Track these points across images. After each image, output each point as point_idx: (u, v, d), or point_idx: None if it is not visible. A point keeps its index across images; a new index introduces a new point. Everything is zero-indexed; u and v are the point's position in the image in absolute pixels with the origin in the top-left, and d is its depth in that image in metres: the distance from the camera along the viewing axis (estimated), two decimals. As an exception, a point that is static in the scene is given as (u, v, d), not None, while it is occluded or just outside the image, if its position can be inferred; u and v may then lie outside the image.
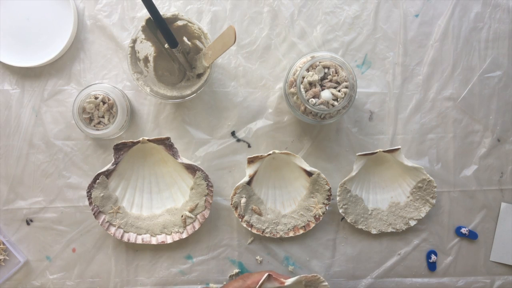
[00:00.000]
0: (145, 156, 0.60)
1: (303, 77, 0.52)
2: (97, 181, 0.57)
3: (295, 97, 0.54)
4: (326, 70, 0.53)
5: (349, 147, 0.61)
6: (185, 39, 0.57)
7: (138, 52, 0.55)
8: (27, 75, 0.60)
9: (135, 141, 0.56)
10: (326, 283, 0.52)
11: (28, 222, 0.61)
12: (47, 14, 0.59)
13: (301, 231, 0.59)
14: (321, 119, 0.54)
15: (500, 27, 0.61)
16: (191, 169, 0.58)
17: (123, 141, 0.56)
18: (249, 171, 0.58)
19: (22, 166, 0.60)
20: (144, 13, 0.60)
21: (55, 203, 0.61)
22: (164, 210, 0.60)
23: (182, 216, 0.59)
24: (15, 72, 0.60)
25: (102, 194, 0.57)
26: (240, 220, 0.58)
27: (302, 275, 0.51)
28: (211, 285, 0.60)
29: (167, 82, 0.59)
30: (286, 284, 0.50)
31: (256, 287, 0.49)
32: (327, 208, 0.59)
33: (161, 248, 0.61)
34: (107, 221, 0.58)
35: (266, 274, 0.49)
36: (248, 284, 0.51)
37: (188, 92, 0.56)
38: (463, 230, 0.61)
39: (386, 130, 0.61)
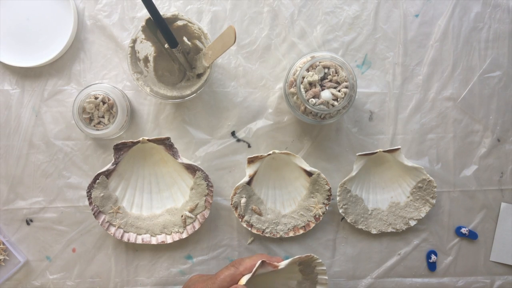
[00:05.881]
0: (145, 156, 0.60)
1: (303, 77, 0.52)
2: (97, 181, 0.57)
3: (295, 97, 0.54)
4: (326, 70, 0.53)
5: (349, 147, 0.61)
6: (185, 39, 0.57)
7: (138, 52, 0.55)
8: (27, 75, 0.60)
9: (135, 141, 0.56)
10: (320, 260, 0.52)
11: (28, 222, 0.61)
12: (47, 14, 0.59)
13: (301, 231, 0.59)
14: (321, 119, 0.54)
15: (500, 27, 0.61)
16: (191, 169, 0.58)
17: (123, 141, 0.56)
18: (249, 171, 0.58)
19: (22, 166, 0.60)
20: (144, 13, 0.60)
21: (55, 203, 0.61)
22: (164, 210, 0.60)
23: (182, 216, 0.59)
24: (15, 72, 0.60)
25: (102, 194, 0.57)
26: (240, 220, 0.58)
27: (296, 257, 0.50)
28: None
29: (167, 82, 0.59)
30: (280, 267, 0.49)
31: (250, 275, 0.47)
32: (327, 208, 0.59)
33: (161, 248, 0.61)
34: (107, 221, 0.58)
35: (259, 261, 0.47)
36: (241, 271, 0.49)
37: (188, 92, 0.56)
38: (463, 230, 0.61)
39: (386, 130, 0.61)
